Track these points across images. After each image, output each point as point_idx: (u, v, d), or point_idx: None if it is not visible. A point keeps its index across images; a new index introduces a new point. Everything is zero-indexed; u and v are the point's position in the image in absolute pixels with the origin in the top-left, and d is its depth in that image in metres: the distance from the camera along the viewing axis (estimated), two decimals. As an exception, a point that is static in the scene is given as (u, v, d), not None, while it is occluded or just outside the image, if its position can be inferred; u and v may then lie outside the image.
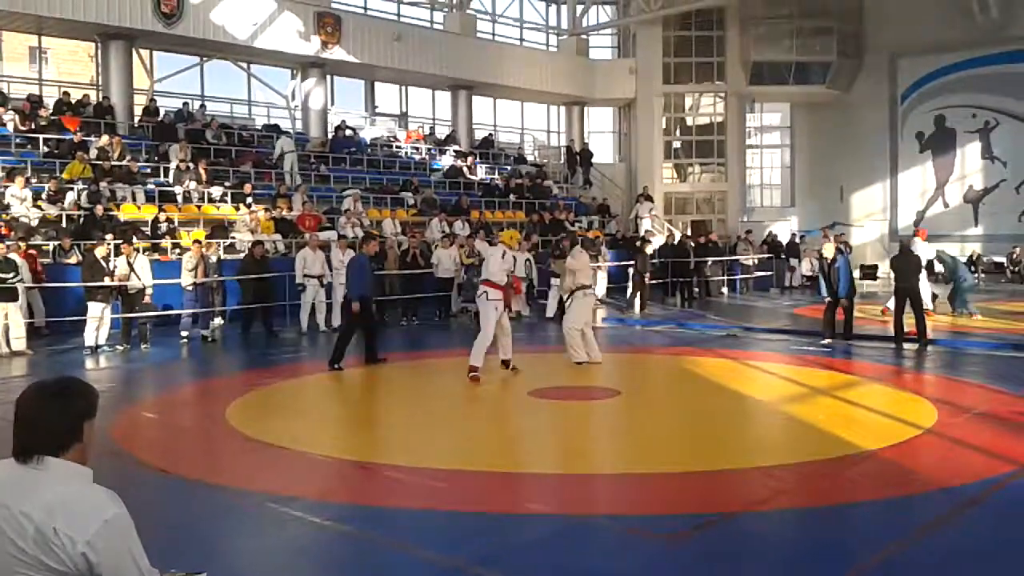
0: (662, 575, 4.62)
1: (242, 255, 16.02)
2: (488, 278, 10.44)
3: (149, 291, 13.40)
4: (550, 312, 17.36)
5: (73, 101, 20.41)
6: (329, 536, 5.19)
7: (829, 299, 13.60)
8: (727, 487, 6.13)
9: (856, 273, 17.63)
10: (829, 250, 13.70)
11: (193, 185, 18.55)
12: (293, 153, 21.77)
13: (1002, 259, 27.27)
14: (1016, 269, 26.69)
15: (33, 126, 18.61)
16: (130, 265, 13.19)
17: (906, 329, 13.08)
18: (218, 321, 14.45)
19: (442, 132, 28.26)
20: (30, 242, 14.47)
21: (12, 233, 14.40)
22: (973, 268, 25.11)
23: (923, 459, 6.81)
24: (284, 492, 5.84)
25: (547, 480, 6.46)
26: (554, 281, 17.43)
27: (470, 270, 16.59)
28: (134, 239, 14.70)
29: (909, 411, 8.37)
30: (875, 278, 25.41)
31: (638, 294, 18.81)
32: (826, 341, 13.30)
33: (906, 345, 12.92)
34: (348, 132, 24.31)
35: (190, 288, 14.14)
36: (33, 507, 2.20)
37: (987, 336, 13.79)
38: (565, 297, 12.07)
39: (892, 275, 13.93)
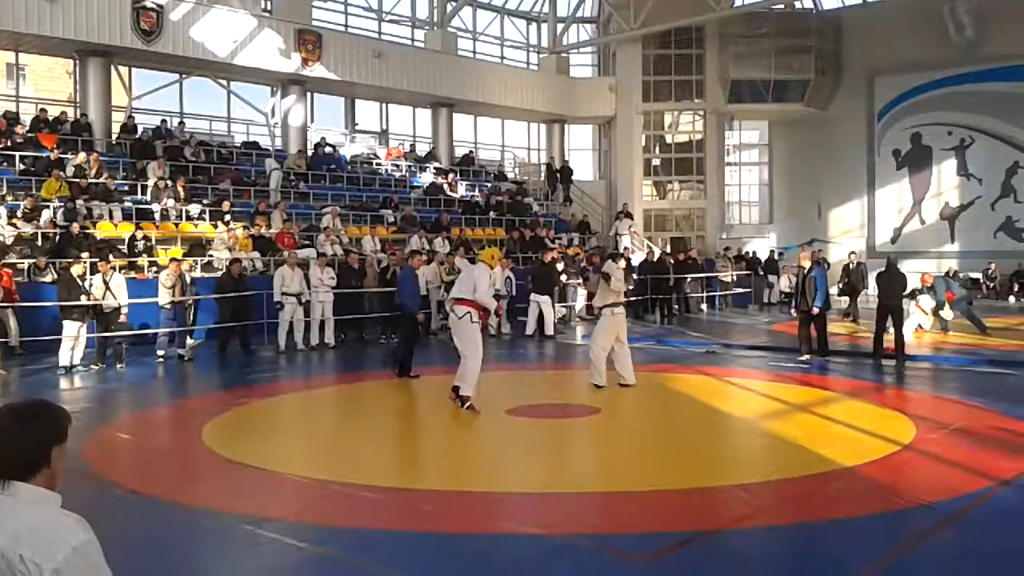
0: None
1: (220, 273, 15.90)
2: (469, 298, 9.52)
3: (125, 310, 13.26)
4: (529, 330, 17.34)
5: (50, 118, 20.25)
6: (305, 558, 5.12)
7: (798, 315, 13.58)
8: (707, 505, 6.11)
9: (833, 290, 17.68)
10: (807, 260, 13.75)
11: (171, 203, 18.40)
12: (278, 171, 21.73)
13: (978, 275, 27.52)
14: (992, 285, 26.99)
15: (9, 143, 18.42)
16: (106, 284, 13.03)
17: (884, 345, 13.16)
18: (190, 340, 14.32)
19: (422, 149, 28.25)
20: (4, 260, 14.30)
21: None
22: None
23: (902, 475, 6.82)
24: (260, 514, 5.75)
25: (526, 500, 6.41)
26: (533, 297, 17.42)
27: (451, 287, 16.46)
28: (110, 257, 14.56)
29: (887, 427, 8.40)
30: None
31: None
32: (804, 357, 13.34)
33: (884, 361, 12.99)
34: (328, 149, 24.26)
35: (167, 307, 13.99)
36: (-2, 534, 2.15)
37: (964, 352, 13.91)
38: (596, 312, 11.32)
39: (876, 290, 13.97)
